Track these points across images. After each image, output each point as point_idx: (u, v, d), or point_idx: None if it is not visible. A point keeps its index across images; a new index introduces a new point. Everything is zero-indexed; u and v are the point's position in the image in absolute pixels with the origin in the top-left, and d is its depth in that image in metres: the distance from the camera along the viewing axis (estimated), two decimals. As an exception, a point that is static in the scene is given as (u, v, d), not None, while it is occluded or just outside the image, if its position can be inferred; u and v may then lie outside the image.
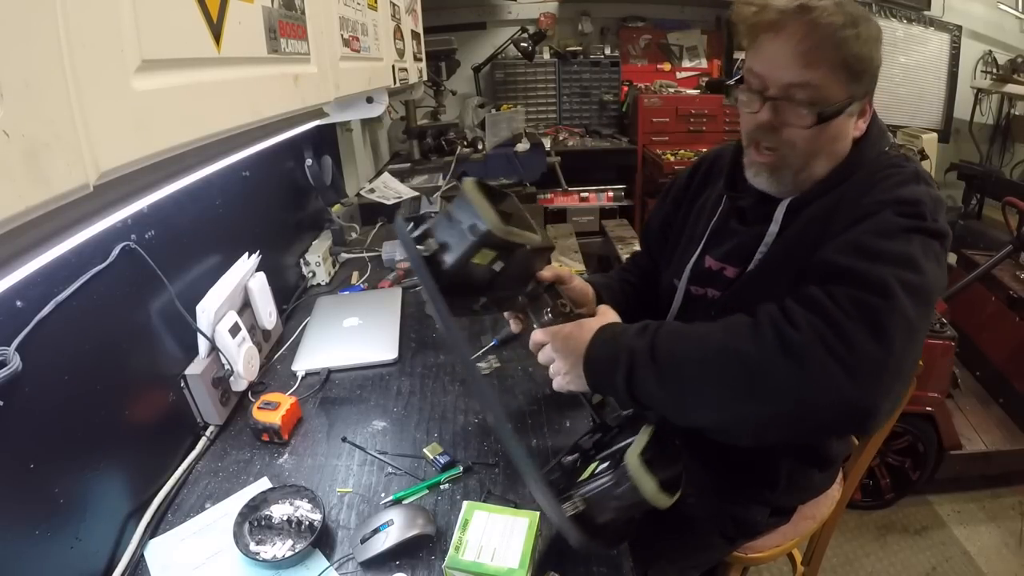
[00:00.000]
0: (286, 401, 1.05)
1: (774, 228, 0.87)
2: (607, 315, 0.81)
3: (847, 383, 0.59)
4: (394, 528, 0.80)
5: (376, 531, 0.80)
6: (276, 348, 1.34)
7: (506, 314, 0.89)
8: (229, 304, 1.10)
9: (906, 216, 0.70)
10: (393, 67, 1.38)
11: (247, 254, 1.22)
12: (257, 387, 1.16)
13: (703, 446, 0.86)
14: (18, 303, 0.67)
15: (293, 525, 0.85)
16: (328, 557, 0.81)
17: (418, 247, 0.65)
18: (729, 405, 0.66)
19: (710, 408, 0.68)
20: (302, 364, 1.23)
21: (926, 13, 3.56)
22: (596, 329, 0.76)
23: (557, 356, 0.77)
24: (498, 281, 0.72)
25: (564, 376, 0.78)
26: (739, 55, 3.85)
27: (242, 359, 1.08)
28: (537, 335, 0.80)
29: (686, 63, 3.90)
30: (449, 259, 0.65)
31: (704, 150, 3.27)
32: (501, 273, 0.71)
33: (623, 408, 0.78)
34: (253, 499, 0.87)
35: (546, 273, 0.83)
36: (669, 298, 1.04)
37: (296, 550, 0.80)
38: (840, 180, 0.82)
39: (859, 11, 0.75)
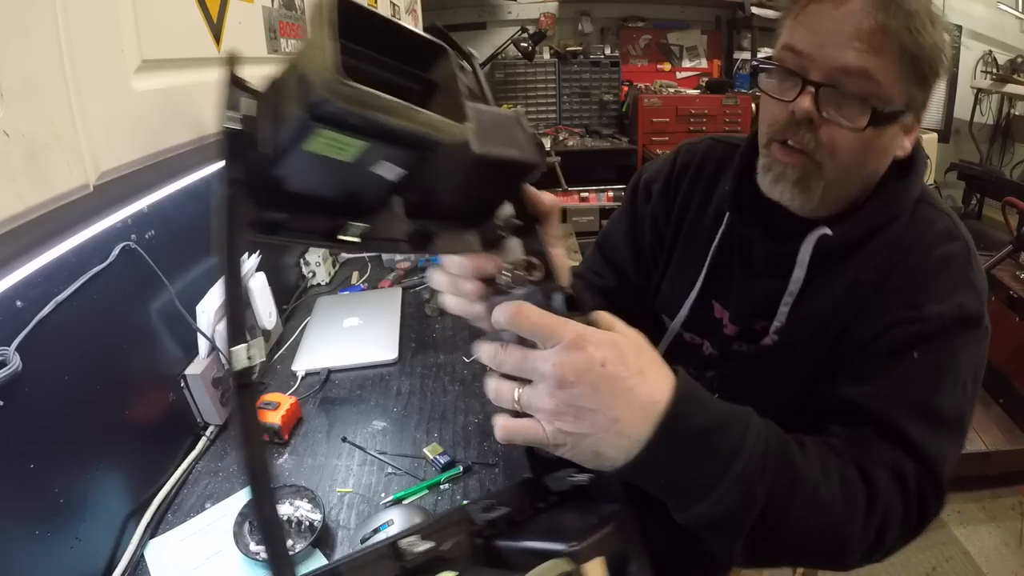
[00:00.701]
0: (286, 401, 1.05)
1: (799, 275, 0.70)
2: (642, 349, 0.44)
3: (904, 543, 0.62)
4: (394, 528, 0.80)
5: (376, 531, 0.80)
6: (276, 348, 1.34)
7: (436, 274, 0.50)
8: (229, 304, 1.10)
9: (967, 333, 0.63)
10: (393, 67, 1.37)
11: (247, 254, 1.22)
12: (257, 387, 1.16)
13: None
14: (18, 303, 0.67)
15: (293, 525, 0.85)
16: (328, 557, 0.81)
17: (228, 112, 0.34)
18: (792, 561, 0.63)
19: (757, 560, 0.54)
20: (302, 364, 1.23)
21: (926, 13, 3.55)
22: (673, 403, 0.42)
23: (561, 393, 0.40)
24: (405, 198, 0.42)
25: (566, 435, 0.40)
26: (739, 55, 3.85)
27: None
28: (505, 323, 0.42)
29: (686, 63, 3.90)
30: (269, 139, 0.34)
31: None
32: (408, 186, 0.40)
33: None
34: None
35: (545, 200, 0.48)
36: (651, 332, 0.85)
37: (296, 550, 0.80)
38: (881, 222, 0.68)
39: (929, 3, 0.61)
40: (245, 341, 0.32)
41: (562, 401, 0.39)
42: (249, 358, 0.32)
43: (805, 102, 0.61)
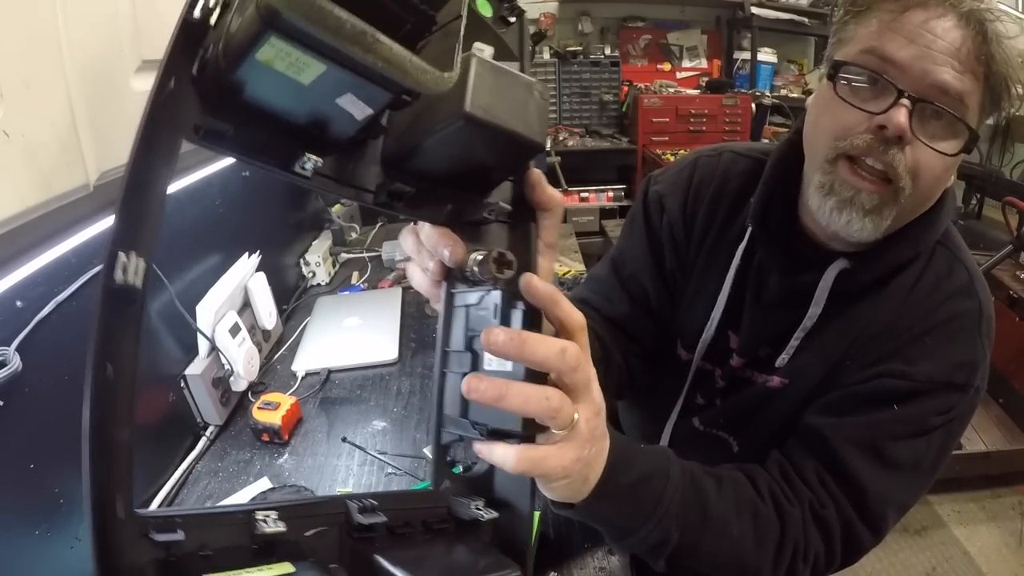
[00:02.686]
0: (286, 401, 1.05)
1: (815, 311, 0.66)
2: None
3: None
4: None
5: (376, 531, 0.80)
6: (276, 348, 1.34)
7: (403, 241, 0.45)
8: (229, 304, 1.10)
9: (951, 397, 0.62)
10: (393, 67, 1.37)
11: (247, 254, 1.22)
12: (257, 387, 1.16)
13: None
14: (18, 303, 0.67)
15: (293, 525, 0.85)
16: (328, 557, 0.81)
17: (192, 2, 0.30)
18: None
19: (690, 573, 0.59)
20: (302, 364, 1.23)
21: (926, 13, 3.55)
22: (608, 467, 0.46)
23: (596, 420, 0.41)
24: (384, 145, 0.38)
25: (579, 465, 0.41)
26: (739, 55, 3.85)
27: (242, 359, 1.08)
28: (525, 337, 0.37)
29: (686, 63, 3.90)
30: (225, 36, 0.30)
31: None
32: (381, 130, 0.37)
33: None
34: (253, 499, 0.87)
35: (549, 194, 0.42)
36: (673, 369, 0.83)
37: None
38: (903, 261, 0.65)
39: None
40: (132, 250, 0.28)
41: (592, 428, 0.41)
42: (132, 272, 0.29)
43: (900, 116, 0.54)
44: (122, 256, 0.28)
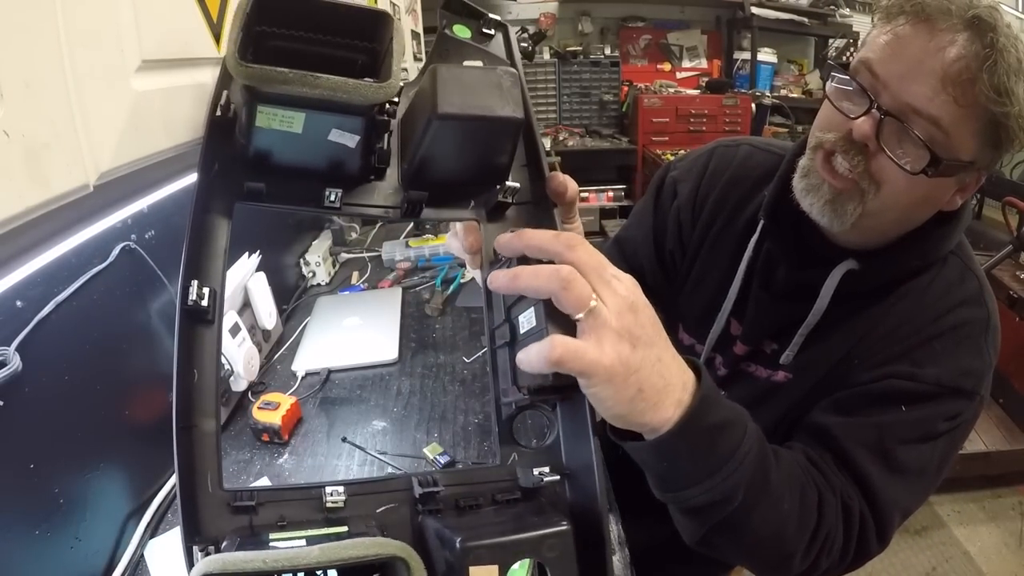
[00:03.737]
0: (286, 401, 1.05)
1: (820, 306, 0.68)
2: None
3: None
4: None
5: (376, 531, 0.80)
6: (276, 348, 1.34)
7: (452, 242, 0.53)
8: (229, 304, 1.10)
9: (957, 402, 0.63)
10: (393, 67, 1.37)
11: (247, 254, 1.22)
12: (257, 387, 1.16)
13: None
14: (18, 303, 0.67)
15: (293, 525, 0.85)
16: (328, 557, 0.81)
17: (220, 103, 0.40)
18: (737, 560, 0.64)
19: (713, 549, 0.58)
20: (302, 364, 1.23)
21: (926, 13, 3.54)
22: (698, 400, 0.43)
23: (628, 316, 0.38)
24: (353, 163, 0.43)
25: (623, 365, 0.38)
26: (739, 55, 3.85)
27: (242, 359, 1.08)
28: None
29: (686, 63, 3.90)
30: (239, 125, 0.40)
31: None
32: (375, 154, 0.43)
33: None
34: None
35: (562, 182, 0.47)
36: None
37: (296, 550, 0.80)
38: (911, 269, 0.66)
39: None
40: (196, 279, 0.39)
41: (626, 325, 0.38)
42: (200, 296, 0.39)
43: (866, 126, 0.57)
44: (193, 284, 0.39)
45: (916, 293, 0.66)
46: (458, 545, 0.34)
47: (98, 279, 0.81)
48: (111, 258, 0.83)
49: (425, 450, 0.98)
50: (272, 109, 0.38)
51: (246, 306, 1.21)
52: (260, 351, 1.21)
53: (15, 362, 0.64)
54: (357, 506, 0.39)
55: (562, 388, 0.39)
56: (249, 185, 0.41)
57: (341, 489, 0.38)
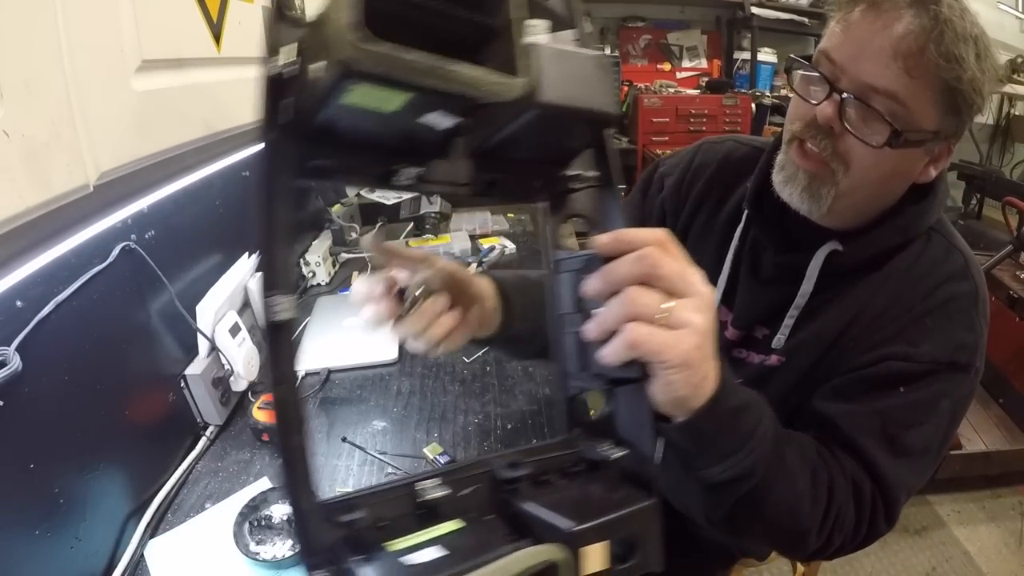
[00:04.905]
0: (286, 401, 1.05)
1: (807, 288, 0.70)
2: None
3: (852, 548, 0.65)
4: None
5: (376, 531, 0.80)
6: (276, 348, 1.33)
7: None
8: (229, 304, 1.10)
9: (955, 377, 0.65)
10: (393, 67, 1.38)
11: (247, 254, 1.22)
12: (257, 387, 1.16)
13: None
14: (18, 303, 0.67)
15: (293, 525, 0.85)
16: (328, 557, 0.81)
17: (270, 58, 0.32)
18: (759, 537, 0.66)
19: (736, 527, 0.61)
20: (302, 364, 1.23)
21: (926, 13, 3.55)
22: (720, 386, 0.47)
23: (709, 314, 0.42)
24: (468, 142, 0.41)
25: (692, 357, 0.41)
26: (739, 55, 3.85)
27: (242, 359, 1.08)
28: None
29: (686, 63, 3.90)
30: (308, 89, 0.32)
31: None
32: (466, 131, 0.39)
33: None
34: (253, 499, 0.87)
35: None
36: None
37: (296, 550, 0.80)
38: (893, 246, 0.69)
39: (984, 33, 0.58)
40: (280, 292, 0.33)
41: (706, 318, 0.41)
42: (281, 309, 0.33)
43: (828, 109, 0.61)
44: (274, 299, 0.34)
45: (902, 272, 0.68)
46: (571, 529, 0.35)
47: (98, 279, 0.81)
48: (111, 258, 0.83)
49: (425, 450, 0.98)
50: (368, 88, 0.31)
51: (246, 306, 1.20)
52: (260, 351, 1.21)
53: (15, 362, 0.64)
54: (448, 493, 0.39)
55: (632, 375, 0.42)
56: (318, 161, 0.36)
57: (439, 480, 0.38)
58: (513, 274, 0.74)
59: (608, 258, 0.42)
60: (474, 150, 0.41)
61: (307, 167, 0.35)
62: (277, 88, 0.33)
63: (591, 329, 0.42)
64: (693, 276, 0.41)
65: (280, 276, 0.34)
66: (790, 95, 0.69)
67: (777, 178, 0.69)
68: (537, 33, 0.37)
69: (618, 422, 0.46)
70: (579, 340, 0.45)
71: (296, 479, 0.33)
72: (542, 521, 0.37)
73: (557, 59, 0.37)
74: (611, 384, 0.45)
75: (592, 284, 0.42)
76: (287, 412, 0.33)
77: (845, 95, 0.60)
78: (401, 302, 0.55)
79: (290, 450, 0.33)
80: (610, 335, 0.41)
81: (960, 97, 0.58)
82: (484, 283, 0.65)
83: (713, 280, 0.78)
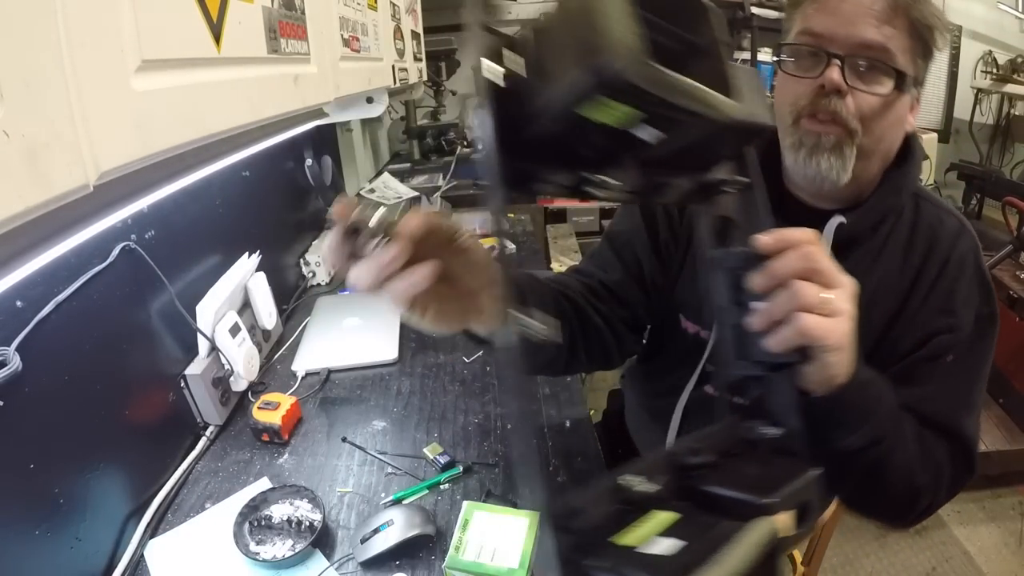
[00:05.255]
0: (286, 401, 1.05)
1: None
2: None
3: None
4: (394, 528, 0.80)
5: (376, 531, 0.80)
6: (276, 348, 1.34)
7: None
8: (229, 304, 1.10)
9: (989, 330, 0.73)
10: (393, 67, 1.38)
11: (247, 254, 1.23)
12: (257, 387, 1.16)
13: None
14: (18, 303, 0.67)
15: (293, 525, 0.85)
16: (328, 557, 0.81)
17: (488, 64, 0.33)
18: (870, 496, 0.69)
19: (855, 487, 0.67)
20: (302, 364, 1.23)
21: (926, 13, 3.55)
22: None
23: (847, 305, 0.48)
24: (651, 155, 0.40)
25: (847, 340, 0.48)
26: (739, 55, 3.85)
27: (242, 359, 1.08)
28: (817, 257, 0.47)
29: (686, 63, 3.89)
30: (539, 99, 0.33)
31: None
32: (660, 145, 0.38)
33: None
34: (253, 499, 0.87)
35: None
36: (679, 343, 0.87)
37: (296, 550, 0.80)
38: (889, 207, 0.74)
39: None
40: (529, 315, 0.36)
41: (854, 308, 0.48)
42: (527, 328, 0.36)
43: (834, 73, 0.65)
44: (532, 311, 0.37)
45: (903, 242, 0.74)
46: (765, 502, 0.38)
47: (98, 279, 0.81)
48: (111, 258, 0.83)
49: (425, 450, 0.98)
50: (616, 103, 0.32)
51: (246, 306, 1.21)
52: (260, 351, 1.21)
53: (15, 362, 0.64)
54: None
55: (794, 359, 0.47)
56: (519, 168, 0.36)
57: (643, 478, 0.40)
58: (523, 272, 0.78)
59: (763, 256, 0.46)
60: (646, 158, 0.41)
61: (512, 175, 0.35)
62: (495, 95, 0.33)
63: (758, 320, 0.46)
64: (840, 270, 0.47)
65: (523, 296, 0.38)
66: (781, 81, 0.72)
67: (798, 157, 0.70)
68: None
69: (769, 404, 0.50)
70: (738, 331, 0.48)
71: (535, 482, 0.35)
72: (734, 499, 0.39)
73: (743, 77, 0.40)
74: (772, 369, 0.49)
75: (759, 280, 0.46)
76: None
77: (843, 58, 0.65)
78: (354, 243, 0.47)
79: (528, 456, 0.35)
80: (775, 325, 0.46)
81: (928, 35, 0.66)
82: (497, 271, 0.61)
83: None
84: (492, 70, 0.33)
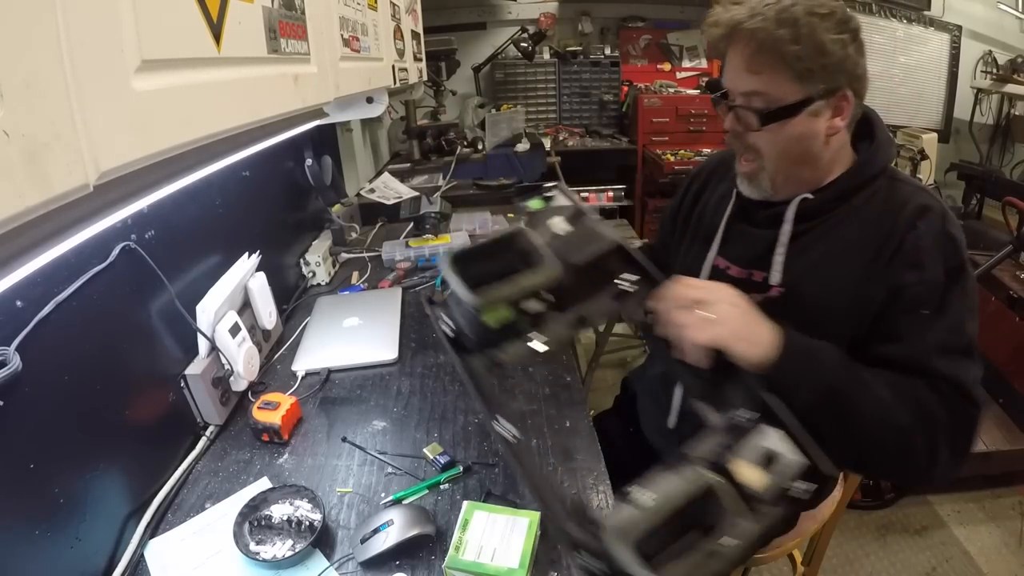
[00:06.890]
0: (286, 401, 1.05)
1: (787, 228, 0.87)
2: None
3: (953, 463, 0.75)
4: (394, 528, 0.80)
5: (376, 531, 0.80)
6: (276, 348, 1.34)
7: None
8: (229, 304, 1.10)
9: (959, 278, 0.78)
10: (393, 67, 1.38)
11: (247, 254, 1.22)
12: (257, 387, 1.16)
13: None
14: (18, 303, 0.67)
15: (293, 525, 0.85)
16: (328, 557, 0.81)
17: (444, 329, 0.71)
18: (861, 451, 0.76)
19: (841, 445, 0.70)
20: (302, 364, 1.23)
21: (926, 13, 3.55)
22: (781, 328, 0.73)
23: (725, 308, 0.71)
24: (560, 308, 0.70)
25: (718, 327, 0.70)
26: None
27: (242, 359, 1.08)
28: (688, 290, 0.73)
29: (686, 63, 3.90)
30: (470, 332, 0.69)
31: (705, 150, 3.31)
32: (559, 301, 0.70)
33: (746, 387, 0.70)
34: (253, 499, 0.87)
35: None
36: None
37: (296, 550, 0.80)
38: (852, 188, 0.84)
39: (800, 11, 0.75)
40: (499, 416, 0.65)
41: (731, 310, 0.72)
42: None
43: (728, 120, 0.86)
44: (497, 422, 0.63)
45: (876, 208, 0.82)
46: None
47: (98, 279, 0.81)
48: (111, 258, 0.83)
49: (425, 450, 0.98)
50: (501, 308, 0.67)
51: (246, 306, 1.21)
52: (260, 351, 1.21)
53: (15, 362, 0.64)
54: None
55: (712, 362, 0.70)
56: (465, 343, 0.70)
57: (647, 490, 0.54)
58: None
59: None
60: (551, 311, 0.69)
61: (464, 350, 0.70)
62: (457, 341, 0.71)
63: (676, 348, 0.71)
64: (711, 288, 0.72)
65: (495, 407, 0.65)
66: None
67: (737, 182, 0.93)
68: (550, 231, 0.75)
69: (731, 393, 0.68)
70: (672, 360, 0.74)
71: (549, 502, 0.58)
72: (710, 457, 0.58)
73: (567, 240, 0.73)
74: (711, 372, 0.70)
75: (660, 328, 0.73)
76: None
77: (732, 106, 0.83)
78: None
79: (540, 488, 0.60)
80: (680, 345, 0.72)
81: (799, 63, 0.75)
82: None
83: (711, 239, 0.99)
84: (445, 332, 0.72)
